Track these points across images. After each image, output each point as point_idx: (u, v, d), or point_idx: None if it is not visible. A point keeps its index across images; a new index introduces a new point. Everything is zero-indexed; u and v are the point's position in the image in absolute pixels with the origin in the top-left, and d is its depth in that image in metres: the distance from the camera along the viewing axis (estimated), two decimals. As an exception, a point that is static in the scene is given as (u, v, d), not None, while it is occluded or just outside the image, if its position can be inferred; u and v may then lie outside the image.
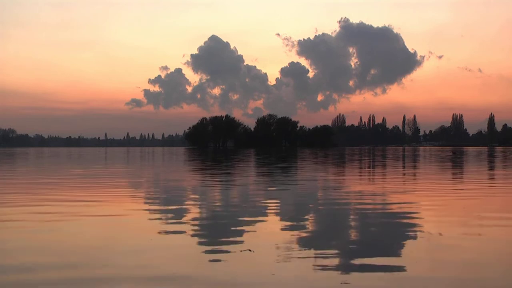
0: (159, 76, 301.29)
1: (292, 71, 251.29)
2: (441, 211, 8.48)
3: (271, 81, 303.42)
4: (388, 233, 6.58)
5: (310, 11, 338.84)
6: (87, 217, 7.92)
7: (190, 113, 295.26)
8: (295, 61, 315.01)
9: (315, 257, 5.17)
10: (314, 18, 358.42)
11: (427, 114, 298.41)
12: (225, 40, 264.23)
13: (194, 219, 7.80)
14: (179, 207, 9.32)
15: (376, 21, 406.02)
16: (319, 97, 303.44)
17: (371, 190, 12.50)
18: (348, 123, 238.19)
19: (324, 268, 4.75)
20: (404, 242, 5.94)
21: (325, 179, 16.70)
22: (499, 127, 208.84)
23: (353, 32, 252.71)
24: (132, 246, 5.74)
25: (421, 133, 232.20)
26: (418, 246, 5.71)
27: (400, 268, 4.72)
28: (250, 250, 5.43)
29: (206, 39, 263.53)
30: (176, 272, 4.61)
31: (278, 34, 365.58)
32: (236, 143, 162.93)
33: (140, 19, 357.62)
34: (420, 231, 6.61)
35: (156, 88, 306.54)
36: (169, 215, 8.14)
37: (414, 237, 6.21)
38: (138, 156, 52.73)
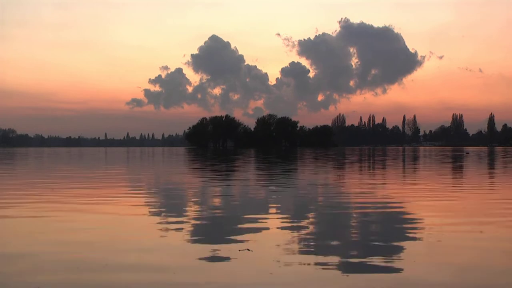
0: (160, 76, 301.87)
1: (292, 71, 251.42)
2: (443, 211, 8.50)
3: (272, 81, 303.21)
4: (388, 234, 6.60)
5: (310, 11, 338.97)
6: (87, 217, 7.95)
7: (191, 113, 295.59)
8: (296, 61, 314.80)
9: (314, 256, 5.18)
10: (315, 18, 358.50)
11: (427, 114, 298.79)
12: (225, 40, 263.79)
13: (193, 218, 7.81)
14: (178, 207, 9.34)
15: (377, 21, 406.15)
16: (320, 97, 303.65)
17: (374, 191, 12.52)
18: (348, 123, 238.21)
19: (323, 268, 4.77)
20: (405, 243, 5.95)
21: (325, 180, 16.72)
22: (499, 127, 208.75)
23: (353, 32, 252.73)
24: (132, 245, 5.76)
25: (421, 133, 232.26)
26: (418, 247, 5.71)
27: (399, 269, 4.74)
28: (248, 250, 5.45)
29: (207, 39, 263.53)
30: (176, 272, 4.64)
31: (279, 34, 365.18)
32: (236, 143, 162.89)
33: (140, 19, 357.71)
34: (420, 231, 6.63)
35: (156, 88, 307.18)
36: (169, 215, 8.16)
37: (414, 238, 6.22)
38: (138, 156, 52.74)
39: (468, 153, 56.66)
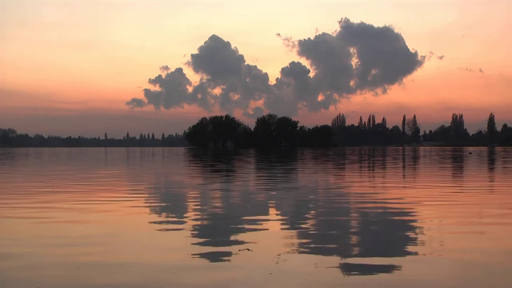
0: (160, 76, 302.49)
1: (292, 71, 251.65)
2: (443, 209, 8.47)
3: (272, 81, 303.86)
4: (388, 234, 6.58)
5: (310, 11, 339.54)
6: (87, 218, 7.94)
7: (191, 113, 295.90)
8: (296, 61, 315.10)
9: (314, 256, 5.16)
10: (315, 18, 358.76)
11: (427, 114, 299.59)
12: (225, 40, 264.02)
13: (193, 219, 7.79)
14: (178, 207, 9.33)
15: (377, 21, 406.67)
16: (320, 97, 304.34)
17: (374, 191, 12.49)
18: (348, 123, 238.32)
19: (323, 267, 4.75)
20: (405, 243, 5.93)
21: (325, 181, 16.70)
22: (499, 127, 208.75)
23: (353, 32, 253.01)
24: (132, 245, 5.74)
25: (421, 133, 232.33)
26: (418, 247, 5.69)
27: (399, 269, 4.72)
28: (248, 250, 5.42)
29: (207, 39, 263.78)
30: (175, 272, 4.61)
31: (279, 34, 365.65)
32: (236, 143, 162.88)
33: (140, 19, 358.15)
34: (420, 231, 6.61)
35: (156, 88, 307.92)
36: (169, 215, 8.14)
37: (414, 237, 6.20)
38: (138, 156, 52.73)
39: (470, 153, 56.56)
